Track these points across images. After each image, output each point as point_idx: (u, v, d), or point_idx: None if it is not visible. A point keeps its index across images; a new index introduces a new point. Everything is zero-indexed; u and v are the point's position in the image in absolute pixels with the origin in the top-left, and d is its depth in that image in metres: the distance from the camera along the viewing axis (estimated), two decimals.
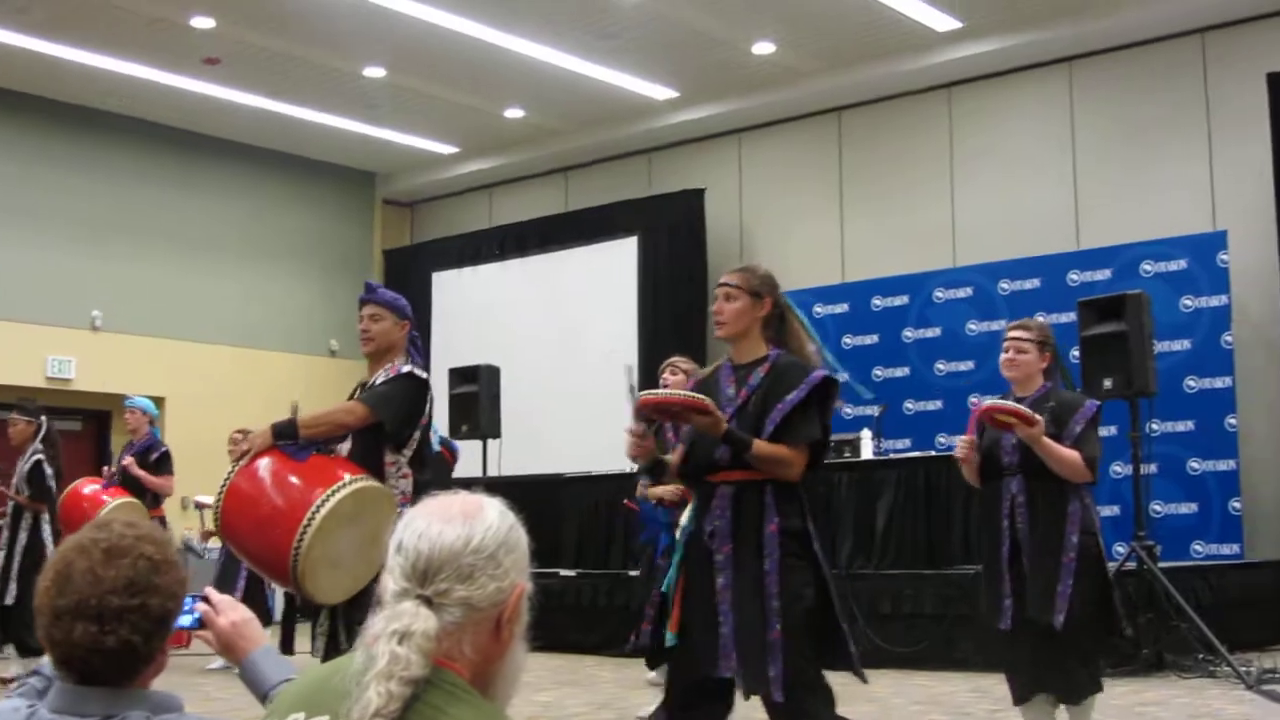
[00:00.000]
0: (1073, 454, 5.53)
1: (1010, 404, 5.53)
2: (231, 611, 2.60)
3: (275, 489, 4.85)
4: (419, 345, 5.49)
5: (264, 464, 4.90)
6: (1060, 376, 6.05)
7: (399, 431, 5.15)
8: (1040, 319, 6.21)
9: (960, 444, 5.75)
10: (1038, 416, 5.41)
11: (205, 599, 2.61)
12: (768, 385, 4.49)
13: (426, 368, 5.44)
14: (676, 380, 6.85)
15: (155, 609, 2.16)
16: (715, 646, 4.37)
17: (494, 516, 1.93)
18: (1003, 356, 5.83)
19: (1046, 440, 5.46)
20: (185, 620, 2.46)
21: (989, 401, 5.56)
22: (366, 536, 4.67)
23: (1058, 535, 5.59)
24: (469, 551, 1.86)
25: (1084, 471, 5.55)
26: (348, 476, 4.80)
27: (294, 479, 4.85)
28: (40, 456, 9.62)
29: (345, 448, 5.12)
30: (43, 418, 9.83)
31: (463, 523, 1.89)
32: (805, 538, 4.44)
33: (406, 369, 5.25)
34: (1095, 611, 5.62)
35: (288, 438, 4.90)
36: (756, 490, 4.45)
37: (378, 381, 5.24)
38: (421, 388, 5.26)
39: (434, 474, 5.61)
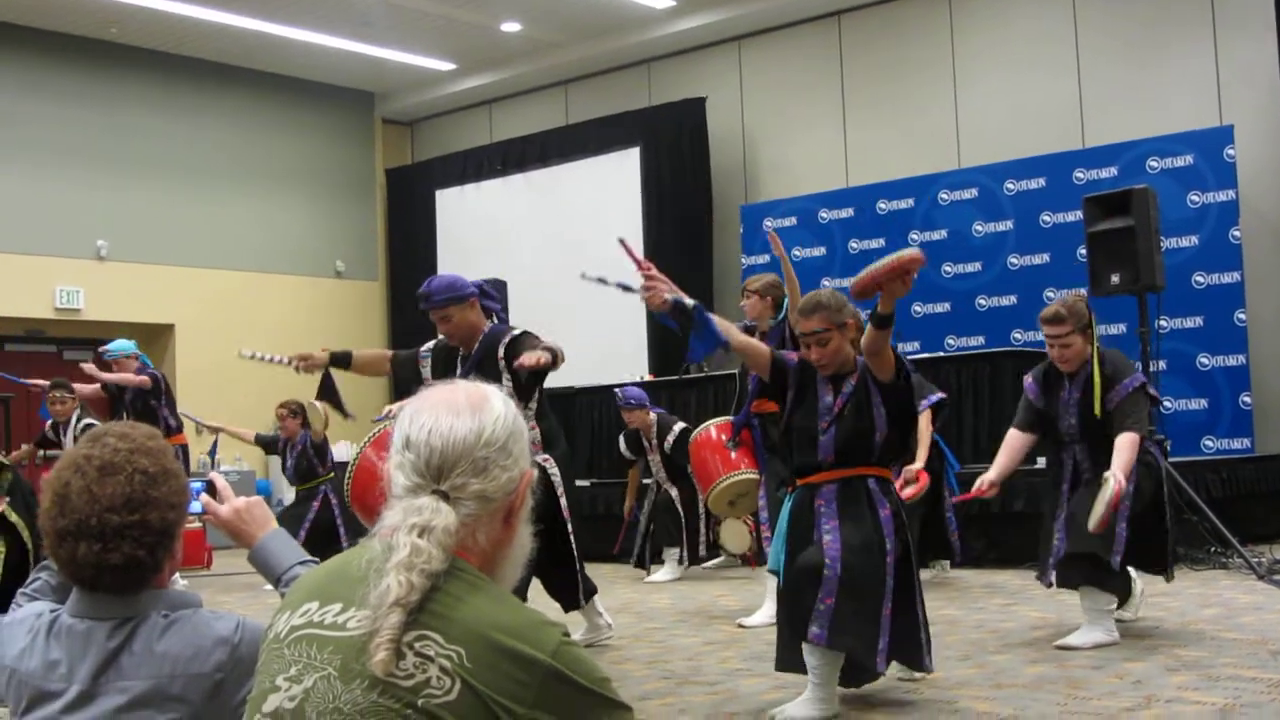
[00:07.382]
0: (1131, 445, 5.64)
1: (1108, 499, 5.37)
2: (235, 498, 2.52)
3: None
4: (494, 296, 5.95)
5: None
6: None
7: (529, 386, 5.76)
8: (1070, 297, 6.11)
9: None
10: (1120, 481, 5.38)
11: (210, 486, 2.55)
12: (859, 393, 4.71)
13: (505, 315, 5.98)
14: (750, 303, 6.97)
15: (155, 522, 2.13)
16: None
17: (500, 405, 1.89)
18: (1051, 354, 5.93)
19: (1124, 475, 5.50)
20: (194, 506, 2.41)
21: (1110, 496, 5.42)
22: None
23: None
24: (481, 445, 1.83)
25: (1140, 445, 5.72)
26: None
27: None
28: (95, 422, 10.31)
29: None
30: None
31: (472, 415, 1.85)
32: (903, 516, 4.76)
33: (518, 332, 5.81)
34: (1150, 546, 5.89)
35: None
36: (861, 483, 4.70)
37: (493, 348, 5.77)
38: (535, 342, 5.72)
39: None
